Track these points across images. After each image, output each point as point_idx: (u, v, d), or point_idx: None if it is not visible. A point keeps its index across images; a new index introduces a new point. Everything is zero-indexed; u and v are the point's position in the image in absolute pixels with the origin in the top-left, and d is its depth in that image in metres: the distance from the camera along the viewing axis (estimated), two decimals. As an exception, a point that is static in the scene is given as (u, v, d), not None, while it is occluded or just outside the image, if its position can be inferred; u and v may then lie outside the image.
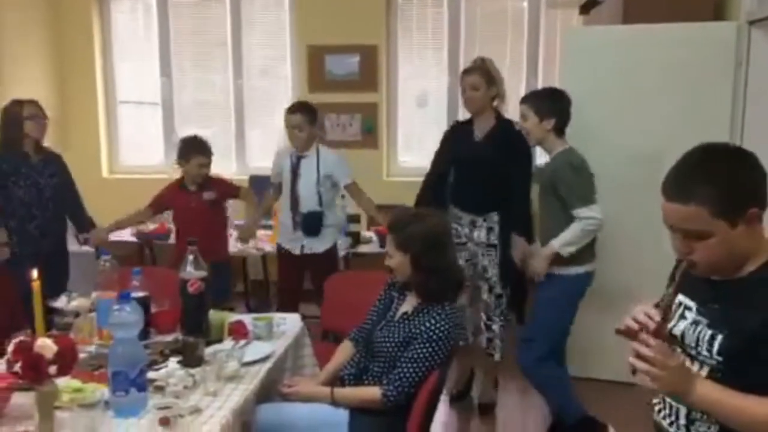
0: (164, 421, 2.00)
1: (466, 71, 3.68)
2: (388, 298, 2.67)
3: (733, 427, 1.50)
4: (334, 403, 2.43)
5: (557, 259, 3.18)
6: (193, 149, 3.99)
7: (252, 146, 6.07)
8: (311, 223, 3.93)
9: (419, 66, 5.89)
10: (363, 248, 4.66)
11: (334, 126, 5.76)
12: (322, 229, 3.95)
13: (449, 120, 5.84)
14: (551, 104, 3.23)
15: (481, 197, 3.65)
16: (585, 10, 4.95)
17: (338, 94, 5.68)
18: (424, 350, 2.38)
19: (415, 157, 5.75)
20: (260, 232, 4.71)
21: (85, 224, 4.22)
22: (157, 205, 4.16)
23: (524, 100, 3.31)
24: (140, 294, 2.63)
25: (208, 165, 4.03)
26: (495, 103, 3.68)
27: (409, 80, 5.87)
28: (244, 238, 4.38)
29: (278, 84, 5.99)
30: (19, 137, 3.90)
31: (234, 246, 4.46)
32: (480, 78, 3.60)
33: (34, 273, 1.99)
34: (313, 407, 2.43)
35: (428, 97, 5.87)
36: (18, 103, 3.94)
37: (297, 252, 4.01)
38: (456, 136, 3.82)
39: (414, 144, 5.92)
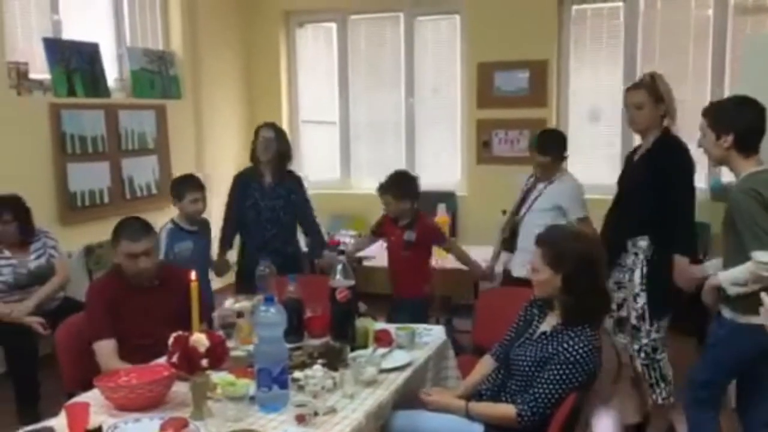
0: (300, 419, 2.14)
1: (630, 88, 3.49)
2: (528, 316, 2.63)
3: None
4: (468, 416, 2.44)
5: (736, 302, 2.67)
6: (380, 188, 3.89)
7: (421, 163, 6.23)
8: None
9: (591, 80, 5.72)
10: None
11: (502, 142, 5.75)
12: None
13: (623, 136, 5.62)
14: (730, 117, 2.70)
15: (633, 220, 3.40)
16: (776, 14, 4.57)
17: (506, 110, 5.69)
18: (560, 372, 2.33)
19: (584, 175, 5.53)
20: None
21: (314, 247, 4.33)
22: (376, 233, 4.20)
23: (704, 113, 2.83)
24: (294, 297, 2.83)
25: (394, 202, 3.84)
26: (666, 123, 3.42)
27: (580, 95, 5.73)
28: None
29: (448, 101, 6.11)
30: (255, 159, 4.18)
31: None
32: (646, 95, 3.35)
33: (193, 274, 2.20)
34: (447, 418, 2.45)
35: (600, 112, 5.67)
36: (259, 126, 4.20)
37: None
38: (626, 159, 3.70)
39: (583, 160, 5.73)
